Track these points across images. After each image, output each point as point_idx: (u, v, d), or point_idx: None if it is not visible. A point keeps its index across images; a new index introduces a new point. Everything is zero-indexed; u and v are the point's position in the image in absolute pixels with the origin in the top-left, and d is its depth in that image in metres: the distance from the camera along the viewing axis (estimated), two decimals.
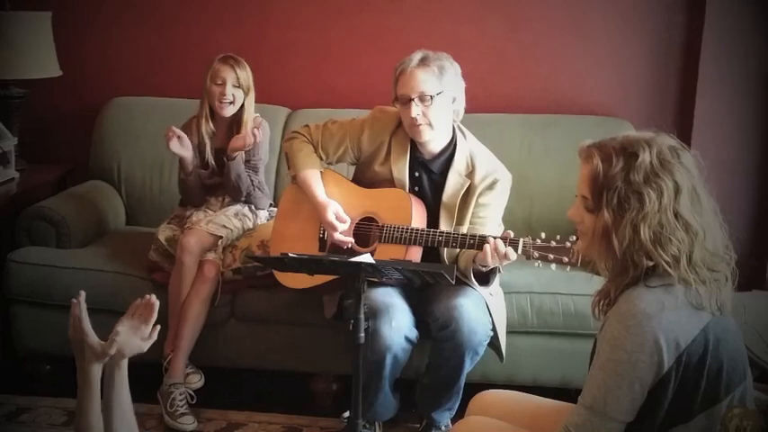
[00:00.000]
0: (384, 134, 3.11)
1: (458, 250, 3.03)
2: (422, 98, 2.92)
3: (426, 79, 2.93)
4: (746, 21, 3.79)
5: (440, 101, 2.94)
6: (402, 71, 2.96)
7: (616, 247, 1.87)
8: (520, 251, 2.72)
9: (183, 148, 3.39)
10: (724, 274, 1.90)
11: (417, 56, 2.97)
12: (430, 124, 2.96)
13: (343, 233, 3.04)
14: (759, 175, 3.90)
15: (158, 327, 2.10)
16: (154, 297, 2.14)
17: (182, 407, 3.16)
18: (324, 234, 3.12)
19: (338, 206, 3.07)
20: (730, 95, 3.84)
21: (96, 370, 1.98)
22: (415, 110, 2.92)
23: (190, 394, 3.22)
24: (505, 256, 2.74)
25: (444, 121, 3.01)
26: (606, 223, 1.88)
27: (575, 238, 2.55)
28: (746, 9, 3.78)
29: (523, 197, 3.54)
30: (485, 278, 2.92)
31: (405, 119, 3.00)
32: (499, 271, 2.90)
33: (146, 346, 2.08)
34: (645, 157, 1.85)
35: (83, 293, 2.07)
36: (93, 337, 2.01)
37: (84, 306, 2.04)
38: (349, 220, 3.07)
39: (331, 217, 3.04)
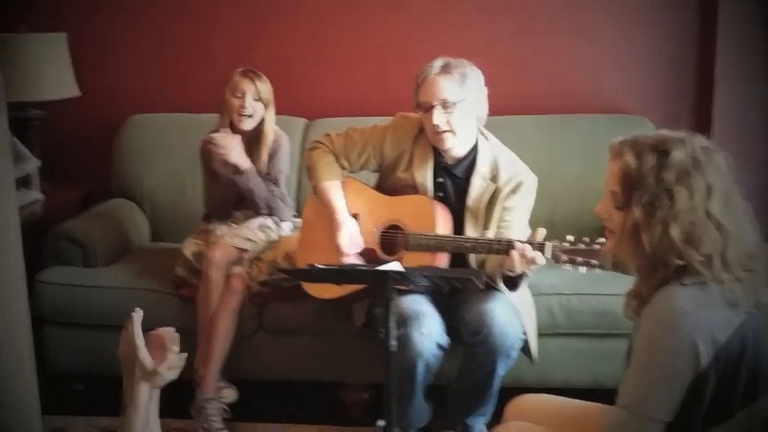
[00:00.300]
0: (406, 141, 3.12)
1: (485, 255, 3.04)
2: (444, 105, 2.92)
3: (448, 86, 2.93)
4: (760, 14, 3.78)
5: (462, 108, 2.94)
6: (424, 78, 2.96)
7: (646, 245, 1.87)
8: (548, 255, 2.71)
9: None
10: (760, 272, 1.89)
11: (439, 63, 2.97)
12: (452, 131, 2.96)
13: (361, 250, 3.06)
14: None
15: (185, 354, 2.03)
16: (172, 330, 2.05)
17: (217, 422, 3.17)
18: None
19: (355, 228, 3.08)
20: (748, 90, 3.83)
21: (143, 390, 1.94)
22: (438, 117, 2.92)
23: (224, 409, 3.23)
24: (533, 261, 2.72)
25: (467, 128, 3.01)
26: (636, 220, 1.88)
27: (603, 240, 2.55)
28: (759, 1, 3.77)
29: (545, 198, 3.52)
30: (512, 282, 2.92)
31: (427, 126, 3.00)
32: (527, 275, 2.88)
33: (173, 376, 1.99)
34: (677, 155, 1.85)
35: (140, 311, 2.02)
36: (145, 356, 1.96)
37: (138, 323, 1.99)
38: (362, 244, 3.07)
39: (343, 241, 3.05)
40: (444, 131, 2.95)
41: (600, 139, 3.62)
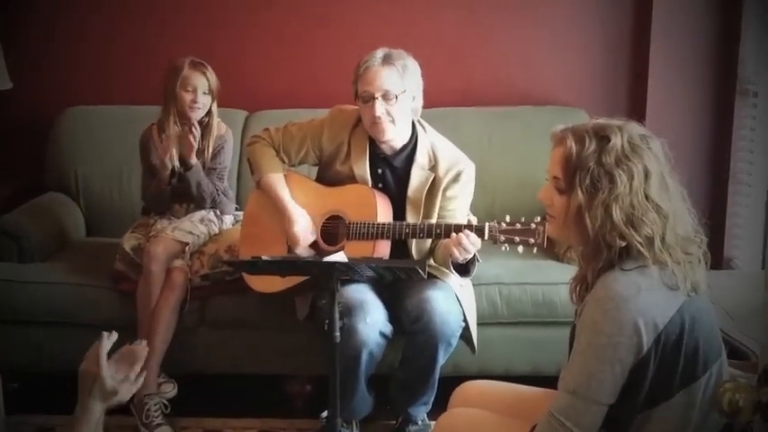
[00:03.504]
0: (343, 133, 3.12)
1: (428, 245, 3.06)
2: (386, 97, 2.94)
3: (390, 78, 2.94)
4: (693, 5, 3.88)
5: (402, 99, 2.96)
6: (366, 69, 2.97)
7: (589, 228, 1.92)
8: (486, 236, 2.74)
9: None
10: (696, 256, 1.96)
11: (380, 54, 2.98)
12: (393, 122, 2.97)
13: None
14: (712, 159, 3.99)
15: (144, 373, 2.02)
16: (144, 343, 2.07)
17: (157, 417, 3.14)
18: None
19: (307, 218, 3.08)
20: (682, 80, 3.93)
21: (98, 408, 1.92)
22: (379, 108, 2.93)
23: (164, 404, 3.20)
24: (471, 242, 2.76)
25: (406, 119, 3.03)
26: (579, 203, 1.93)
27: (539, 218, 2.60)
28: None
29: (485, 189, 3.57)
30: (464, 269, 2.94)
31: (366, 117, 3.00)
32: (478, 260, 2.91)
33: (128, 395, 1.98)
34: (616, 140, 1.91)
35: (115, 334, 2.00)
36: (108, 377, 1.93)
37: (108, 344, 1.97)
38: (315, 236, 3.08)
39: (299, 230, 3.05)
40: (384, 122, 2.96)
41: (538, 130, 3.73)
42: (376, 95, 2.94)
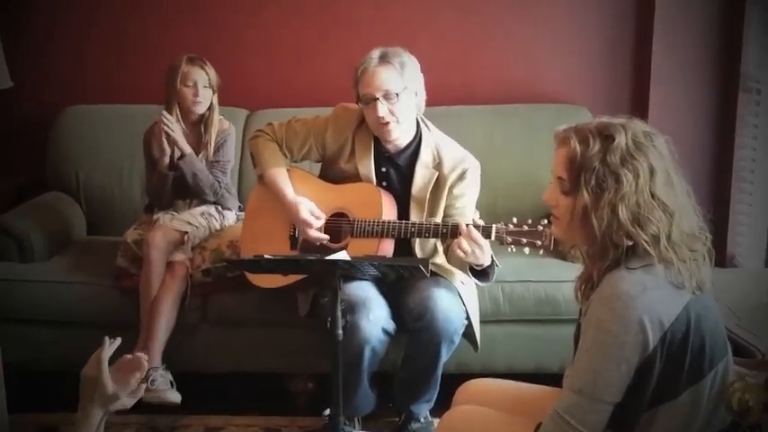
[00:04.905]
0: (346, 132, 3.11)
1: (431, 244, 3.06)
2: (387, 96, 2.92)
3: (389, 77, 2.93)
4: (695, 3, 3.87)
5: (404, 97, 2.95)
6: (364, 71, 2.95)
7: (596, 228, 1.90)
8: (493, 237, 2.73)
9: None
10: (701, 254, 1.95)
11: (376, 54, 2.96)
12: (398, 121, 2.96)
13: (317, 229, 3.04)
14: (714, 156, 3.98)
15: (144, 385, 2.03)
16: (145, 357, 2.07)
17: (164, 384, 3.13)
18: (295, 232, 3.12)
19: (311, 203, 3.07)
20: (684, 78, 3.92)
21: (98, 414, 1.93)
22: (382, 109, 2.92)
23: (171, 382, 3.18)
24: (477, 242, 2.73)
25: (410, 116, 3.02)
26: (585, 204, 1.91)
27: (546, 221, 2.59)
28: None
29: (487, 187, 3.54)
30: (484, 274, 2.91)
31: (370, 118, 2.99)
32: (497, 265, 2.88)
33: (130, 403, 2.00)
34: (621, 139, 1.90)
35: (118, 339, 2.01)
36: (108, 382, 1.94)
37: (110, 350, 1.98)
38: (324, 217, 3.06)
39: (305, 214, 3.03)
40: (389, 122, 2.95)
41: (541, 128, 3.73)
42: (377, 96, 2.92)
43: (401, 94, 2.94)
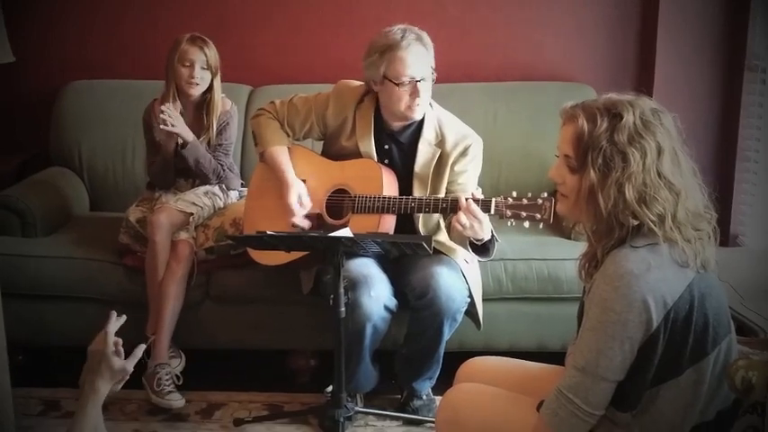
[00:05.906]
0: (348, 108, 3.10)
1: (434, 221, 3.05)
2: (425, 78, 2.92)
3: (426, 59, 2.94)
4: None
5: (431, 77, 2.96)
6: (398, 51, 2.90)
7: (602, 207, 1.89)
8: (493, 211, 2.71)
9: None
10: (706, 233, 1.94)
11: (411, 35, 2.92)
12: (424, 101, 2.97)
13: (308, 214, 3.03)
14: (719, 135, 3.96)
15: (142, 346, 2.06)
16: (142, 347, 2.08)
17: (168, 386, 3.14)
18: None
19: (303, 189, 3.06)
20: (690, 56, 3.89)
21: (105, 387, 1.95)
22: (424, 92, 2.91)
23: (176, 375, 3.20)
24: (476, 216, 2.71)
25: (430, 96, 3.03)
26: (592, 183, 1.90)
27: (546, 194, 2.59)
28: None
29: (490, 164, 3.55)
30: (484, 249, 2.90)
31: (402, 100, 2.94)
32: (497, 240, 2.88)
33: (130, 366, 2.00)
34: (629, 118, 1.88)
35: (123, 316, 2.04)
36: (114, 356, 1.97)
37: (116, 325, 2.00)
38: (310, 205, 3.05)
39: (291, 200, 3.02)
40: (420, 104, 2.94)
41: (544, 106, 3.72)
42: (418, 78, 2.90)
43: (431, 75, 2.94)
